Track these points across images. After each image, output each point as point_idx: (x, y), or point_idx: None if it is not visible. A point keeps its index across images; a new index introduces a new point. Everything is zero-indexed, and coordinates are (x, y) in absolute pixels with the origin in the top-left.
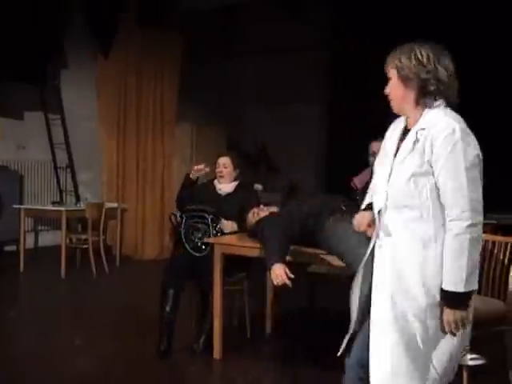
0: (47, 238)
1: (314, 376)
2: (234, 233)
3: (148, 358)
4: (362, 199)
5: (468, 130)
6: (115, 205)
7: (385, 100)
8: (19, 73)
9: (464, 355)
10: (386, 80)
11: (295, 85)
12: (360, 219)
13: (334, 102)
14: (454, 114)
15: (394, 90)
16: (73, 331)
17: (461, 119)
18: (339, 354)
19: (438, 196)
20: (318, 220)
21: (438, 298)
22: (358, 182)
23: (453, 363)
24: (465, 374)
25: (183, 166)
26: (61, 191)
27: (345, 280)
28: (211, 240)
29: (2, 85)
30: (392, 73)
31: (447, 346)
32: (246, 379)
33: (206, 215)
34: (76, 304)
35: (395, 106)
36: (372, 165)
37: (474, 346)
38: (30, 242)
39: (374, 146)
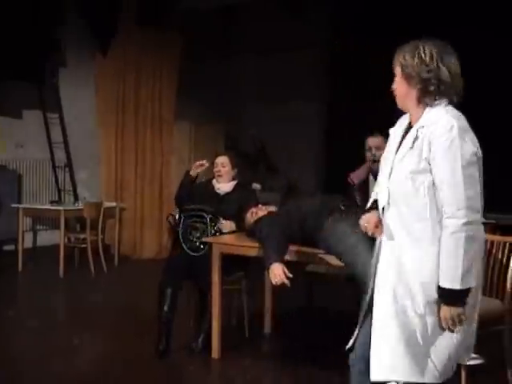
0: (45, 238)
1: (313, 375)
2: (233, 232)
3: (146, 358)
4: (359, 195)
5: (467, 128)
6: (113, 204)
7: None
8: (17, 71)
9: (472, 358)
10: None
11: (295, 84)
12: (367, 222)
13: (334, 101)
14: (455, 111)
15: (399, 86)
16: (71, 331)
17: (461, 117)
18: (348, 346)
19: (436, 194)
20: (316, 220)
21: (435, 295)
22: (354, 177)
23: (452, 361)
24: (463, 374)
25: (181, 165)
26: (59, 190)
27: (343, 280)
28: (210, 239)
29: (0, 83)
30: (397, 70)
31: (447, 343)
32: (244, 378)
33: (205, 215)
34: (74, 303)
35: (399, 102)
36: (369, 160)
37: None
38: (28, 241)
39: (370, 141)
